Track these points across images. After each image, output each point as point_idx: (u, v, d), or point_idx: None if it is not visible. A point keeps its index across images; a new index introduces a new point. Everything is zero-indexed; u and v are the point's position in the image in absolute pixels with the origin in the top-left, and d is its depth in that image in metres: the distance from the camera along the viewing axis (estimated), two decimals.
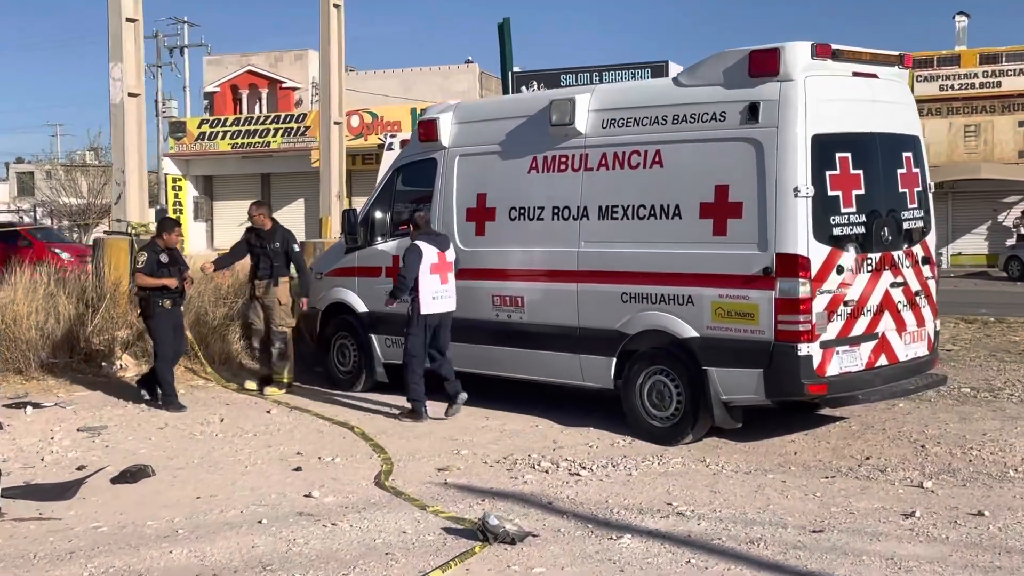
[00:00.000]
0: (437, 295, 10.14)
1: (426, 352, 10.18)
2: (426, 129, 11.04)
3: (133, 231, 13.11)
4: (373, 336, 11.47)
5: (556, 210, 9.93)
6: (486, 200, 10.50)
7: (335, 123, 17.30)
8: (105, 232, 19.76)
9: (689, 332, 8.99)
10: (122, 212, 13.32)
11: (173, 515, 7.03)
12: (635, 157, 9.41)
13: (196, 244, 42.40)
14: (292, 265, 11.77)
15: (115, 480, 7.94)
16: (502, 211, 10.37)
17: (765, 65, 8.58)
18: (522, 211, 10.21)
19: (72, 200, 43.57)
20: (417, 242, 10.13)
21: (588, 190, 9.72)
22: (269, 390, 11.50)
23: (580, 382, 9.98)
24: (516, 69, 27.16)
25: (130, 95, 13.41)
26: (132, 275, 11.26)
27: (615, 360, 9.53)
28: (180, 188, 45.33)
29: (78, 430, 9.72)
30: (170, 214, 39.55)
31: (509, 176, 10.37)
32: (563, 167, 9.92)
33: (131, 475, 8.00)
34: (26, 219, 44.99)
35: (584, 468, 8.29)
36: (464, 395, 10.23)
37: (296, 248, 11.74)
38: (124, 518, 6.97)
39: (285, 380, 11.69)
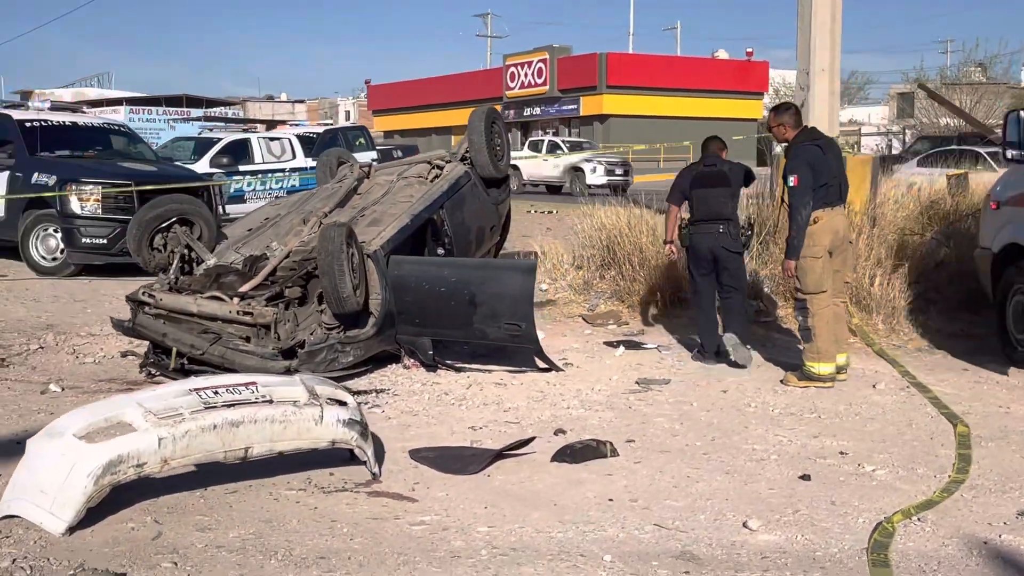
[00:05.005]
0: None
1: None
2: None
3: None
4: None
5: None
6: None
7: None
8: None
9: None
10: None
11: (539, 522, 4.97)
12: None
13: None
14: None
15: (555, 457, 6.09)
16: None
17: None
18: None
19: (949, 121, 40.49)
20: None
21: None
22: (787, 377, 7.92)
23: None
24: None
25: None
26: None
27: None
28: None
29: (636, 382, 8.02)
30: None
31: None
32: None
33: (572, 453, 6.06)
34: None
35: None
36: None
37: (791, 183, 7.57)
38: (471, 515, 5.09)
39: (814, 370, 7.72)
